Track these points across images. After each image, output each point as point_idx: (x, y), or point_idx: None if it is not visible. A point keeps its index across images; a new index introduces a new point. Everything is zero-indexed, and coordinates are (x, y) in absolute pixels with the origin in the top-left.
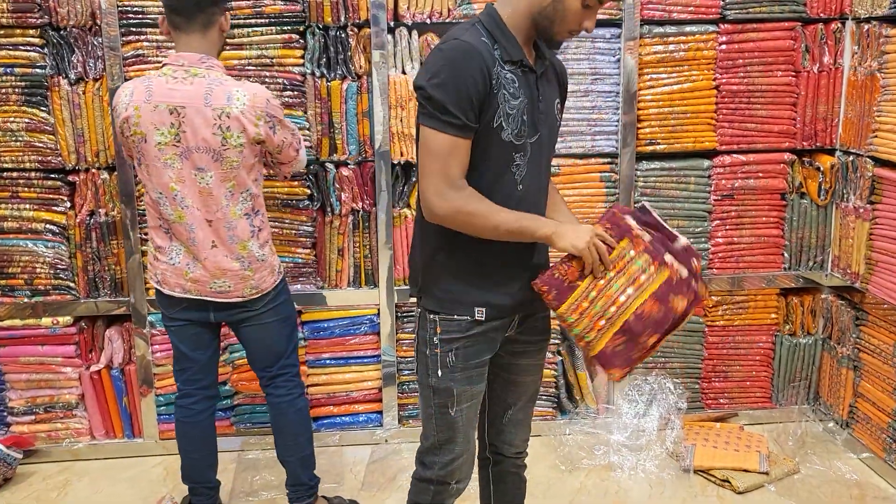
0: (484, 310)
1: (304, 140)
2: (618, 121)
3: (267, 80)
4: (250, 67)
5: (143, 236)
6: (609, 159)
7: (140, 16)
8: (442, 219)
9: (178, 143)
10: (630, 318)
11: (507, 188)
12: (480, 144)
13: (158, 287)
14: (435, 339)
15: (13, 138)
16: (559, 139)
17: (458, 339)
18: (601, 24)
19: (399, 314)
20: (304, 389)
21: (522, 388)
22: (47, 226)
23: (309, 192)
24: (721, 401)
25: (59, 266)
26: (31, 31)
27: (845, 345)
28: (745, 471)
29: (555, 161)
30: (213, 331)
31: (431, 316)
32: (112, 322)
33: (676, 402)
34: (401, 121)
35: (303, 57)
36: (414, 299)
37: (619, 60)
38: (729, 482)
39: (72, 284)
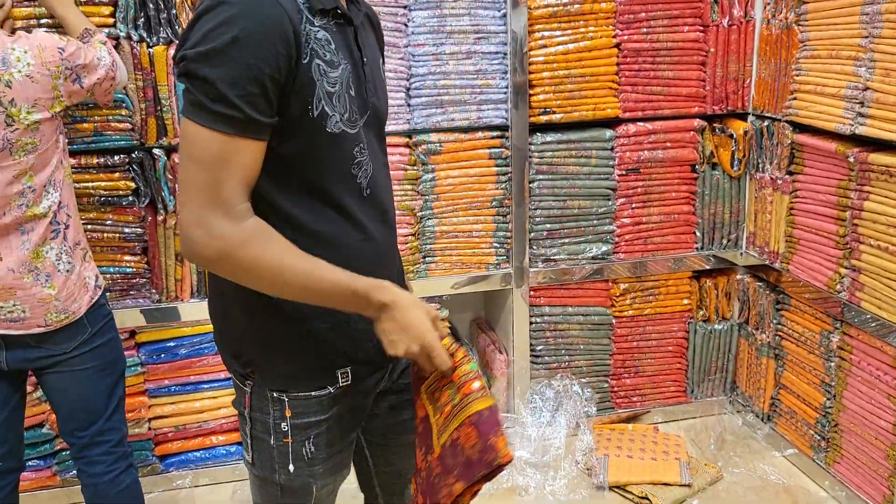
0: (349, 370)
1: (124, 121)
2: (507, 87)
3: None
4: (44, 29)
5: None
6: (499, 132)
7: None
8: (208, 263)
9: None
10: (447, 442)
11: (352, 204)
12: (298, 148)
13: None
14: (283, 425)
15: None
16: (440, 109)
17: (318, 423)
18: None
19: None
20: (132, 460)
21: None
22: None
23: (134, 185)
24: (633, 399)
25: None
26: None
27: (765, 331)
28: (666, 484)
29: (435, 136)
30: (9, 382)
31: (275, 395)
32: None
33: (585, 407)
34: None
35: (113, 16)
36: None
37: (505, 16)
38: (648, 500)
39: None
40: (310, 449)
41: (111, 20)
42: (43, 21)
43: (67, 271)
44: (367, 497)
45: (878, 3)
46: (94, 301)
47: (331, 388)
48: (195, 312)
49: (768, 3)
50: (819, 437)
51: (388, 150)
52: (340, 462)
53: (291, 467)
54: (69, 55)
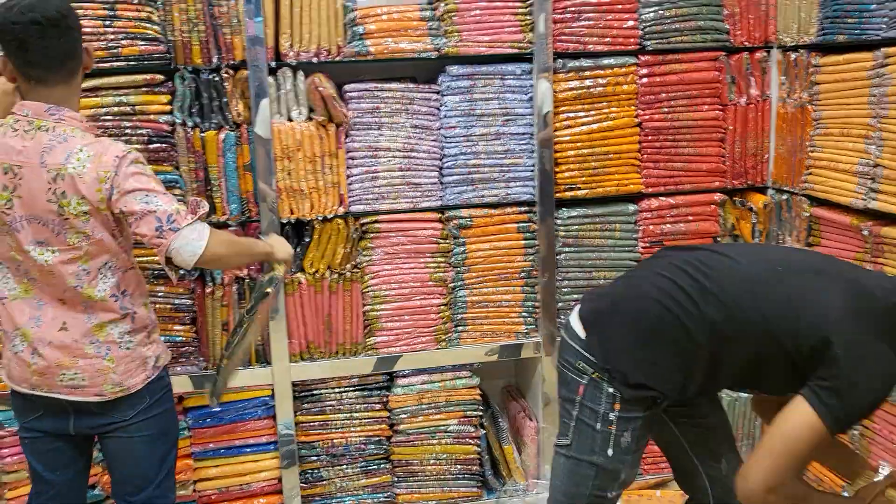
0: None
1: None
2: (534, 165)
3: (128, 131)
4: (108, 117)
5: None
6: (526, 208)
7: None
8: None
9: (10, 209)
10: None
11: None
12: None
13: (7, 381)
14: (611, 415)
15: None
16: (471, 186)
17: (637, 419)
18: (510, 59)
19: (298, 393)
20: None
21: (720, 429)
22: None
23: None
24: (661, 465)
25: None
26: None
27: None
28: None
29: (466, 212)
30: (76, 446)
31: (611, 390)
32: None
33: None
34: (288, 174)
35: (170, 104)
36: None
37: (531, 99)
38: None
39: None
40: (627, 440)
41: (168, 108)
42: (104, 109)
43: (128, 349)
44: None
45: (885, 86)
46: (150, 379)
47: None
48: (241, 378)
49: (783, 83)
50: None
51: (423, 224)
52: (639, 459)
53: (610, 451)
54: (123, 168)
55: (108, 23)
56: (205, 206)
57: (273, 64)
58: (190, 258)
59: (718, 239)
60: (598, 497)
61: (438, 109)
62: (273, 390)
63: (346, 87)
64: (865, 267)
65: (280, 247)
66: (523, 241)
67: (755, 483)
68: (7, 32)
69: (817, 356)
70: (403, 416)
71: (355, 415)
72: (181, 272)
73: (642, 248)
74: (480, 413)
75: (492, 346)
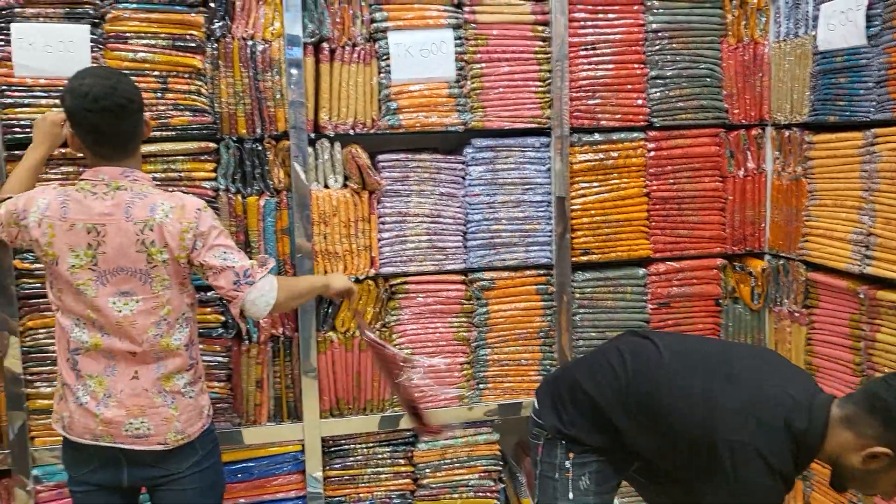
0: None
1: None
2: (551, 231)
3: None
4: (157, 182)
5: (28, 377)
6: (545, 271)
7: (28, 131)
8: None
9: (96, 265)
10: None
11: None
12: None
13: (64, 433)
14: (567, 462)
15: None
16: (493, 250)
17: (593, 462)
18: (531, 132)
19: (327, 449)
20: None
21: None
22: None
23: (223, 318)
24: None
25: None
26: None
27: None
28: None
29: (488, 274)
30: (125, 499)
31: (563, 443)
32: None
33: None
34: (324, 238)
35: (215, 171)
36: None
37: (549, 169)
38: None
39: None
40: (586, 482)
41: (213, 174)
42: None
43: (191, 398)
44: None
45: (875, 163)
46: (204, 427)
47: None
48: (272, 434)
49: (777, 158)
50: None
51: (448, 285)
52: (608, 500)
53: (570, 495)
54: (203, 220)
55: (159, 95)
56: (272, 262)
57: (313, 135)
58: (265, 308)
59: (720, 301)
60: None
61: (463, 178)
62: (303, 445)
63: (380, 157)
64: (856, 332)
65: (335, 279)
66: (542, 303)
67: None
68: (81, 118)
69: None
70: (427, 470)
71: (382, 469)
72: (227, 330)
73: (651, 309)
74: (500, 468)
75: (511, 403)
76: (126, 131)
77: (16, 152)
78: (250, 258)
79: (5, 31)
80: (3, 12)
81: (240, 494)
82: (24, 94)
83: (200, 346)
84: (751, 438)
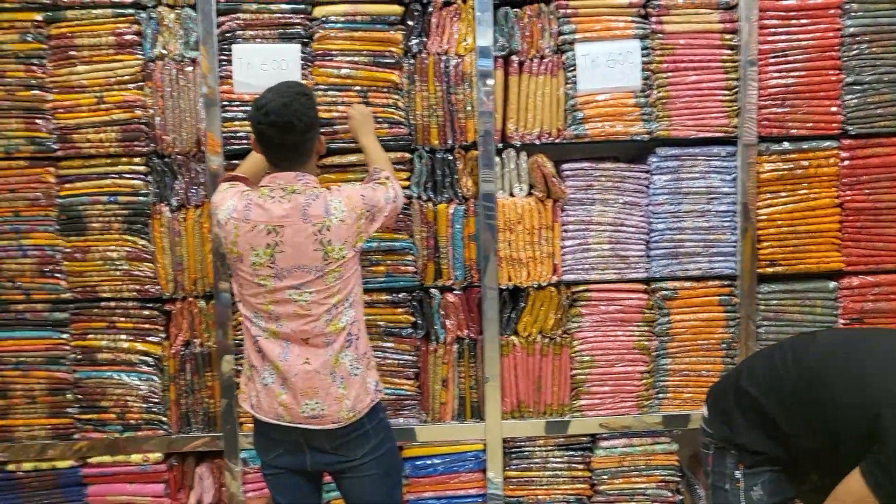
0: None
1: (409, 265)
2: (736, 241)
3: None
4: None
5: (240, 367)
6: (728, 282)
7: (244, 141)
8: None
9: (274, 263)
10: None
11: None
12: None
13: (253, 412)
14: (737, 473)
15: (113, 267)
16: (675, 260)
17: (765, 472)
18: (717, 141)
19: (507, 450)
20: None
21: None
22: (142, 357)
23: (413, 319)
24: None
25: (152, 399)
26: (137, 160)
27: None
28: None
29: (671, 284)
30: (312, 481)
31: (733, 451)
32: (202, 458)
33: None
34: (509, 244)
35: (409, 180)
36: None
37: (735, 178)
38: None
39: (164, 418)
40: (759, 492)
41: (407, 183)
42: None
43: (356, 375)
44: None
45: None
46: (374, 403)
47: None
48: (456, 432)
49: None
50: None
51: (629, 294)
52: None
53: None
54: (368, 200)
55: None
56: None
57: (500, 145)
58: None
59: None
60: None
61: (647, 187)
62: (485, 445)
63: (564, 166)
64: None
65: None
66: (725, 314)
67: None
68: (255, 129)
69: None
70: (604, 476)
71: (559, 473)
72: (416, 330)
73: (842, 324)
74: (678, 479)
75: (691, 414)
76: (293, 145)
77: (234, 161)
78: (436, 256)
79: (227, 52)
80: (227, 35)
81: (424, 489)
82: (241, 108)
83: (390, 345)
84: None
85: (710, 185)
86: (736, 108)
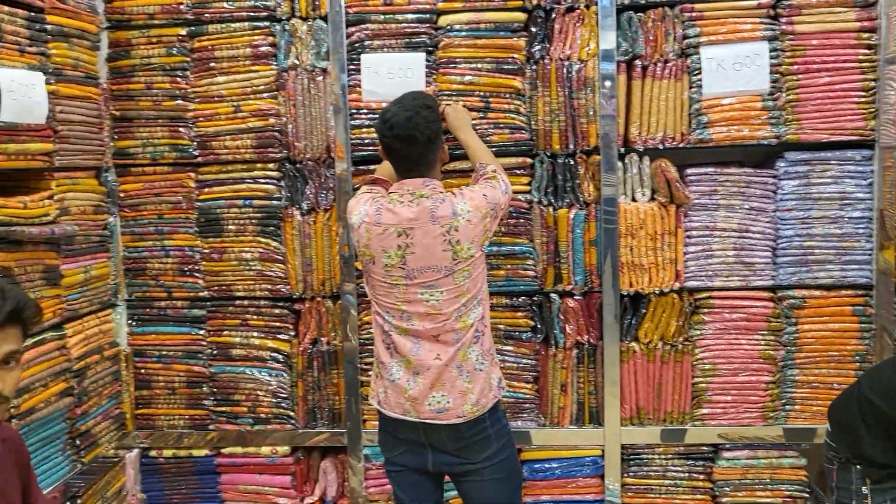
0: None
1: (529, 269)
2: (871, 249)
3: None
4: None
5: (364, 366)
6: (863, 291)
7: (370, 148)
8: None
9: (405, 264)
10: None
11: None
12: None
13: (379, 408)
14: (864, 488)
15: (247, 267)
16: (804, 267)
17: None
18: (851, 145)
19: (626, 456)
20: None
21: None
22: (272, 354)
23: (532, 323)
24: None
25: (281, 394)
26: (270, 165)
27: None
28: None
29: (799, 292)
30: (434, 480)
31: (858, 467)
32: (326, 453)
33: None
34: (630, 250)
35: (529, 184)
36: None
37: (871, 184)
38: None
39: (291, 413)
40: None
41: (528, 187)
42: None
43: (481, 371)
44: None
45: None
46: (496, 399)
47: None
48: (574, 437)
49: None
50: None
51: (755, 301)
52: None
53: None
54: (490, 198)
55: (482, 114)
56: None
57: (622, 150)
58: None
59: None
60: None
61: (774, 193)
62: (603, 451)
63: (688, 170)
64: None
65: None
66: (859, 325)
67: None
68: (381, 139)
69: None
70: (727, 488)
71: (679, 483)
72: (536, 335)
73: None
74: (806, 495)
75: (817, 428)
76: (416, 156)
77: (360, 167)
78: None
79: (356, 62)
80: (356, 45)
81: (542, 492)
82: (368, 116)
83: (510, 349)
84: None
85: (844, 190)
86: (873, 109)
